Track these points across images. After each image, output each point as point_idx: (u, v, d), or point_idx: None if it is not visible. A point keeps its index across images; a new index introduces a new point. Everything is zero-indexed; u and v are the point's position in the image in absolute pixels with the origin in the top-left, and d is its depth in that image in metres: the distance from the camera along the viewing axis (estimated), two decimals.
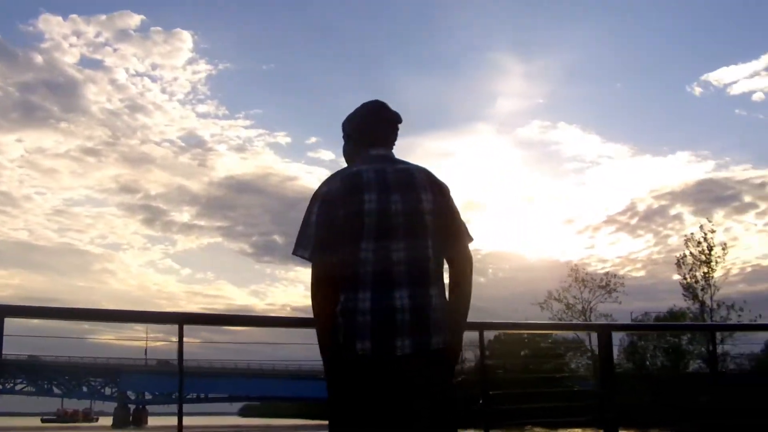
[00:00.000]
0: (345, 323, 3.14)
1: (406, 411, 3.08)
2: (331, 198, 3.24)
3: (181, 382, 3.87)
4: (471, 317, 3.48)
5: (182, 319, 3.77)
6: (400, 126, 3.60)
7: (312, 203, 3.28)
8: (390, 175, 3.33)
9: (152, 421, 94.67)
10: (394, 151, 3.57)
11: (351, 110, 3.63)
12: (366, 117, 3.55)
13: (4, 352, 3.39)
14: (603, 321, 46.12)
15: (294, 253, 3.25)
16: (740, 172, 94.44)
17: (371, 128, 3.52)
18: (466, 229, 3.46)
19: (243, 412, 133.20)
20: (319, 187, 3.33)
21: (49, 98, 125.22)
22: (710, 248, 55.10)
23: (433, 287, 3.25)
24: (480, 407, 4.47)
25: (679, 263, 56.25)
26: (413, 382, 3.10)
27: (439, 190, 3.40)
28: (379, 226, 3.19)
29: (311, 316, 3.30)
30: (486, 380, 4.59)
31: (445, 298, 3.30)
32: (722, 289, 54.23)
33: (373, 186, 3.26)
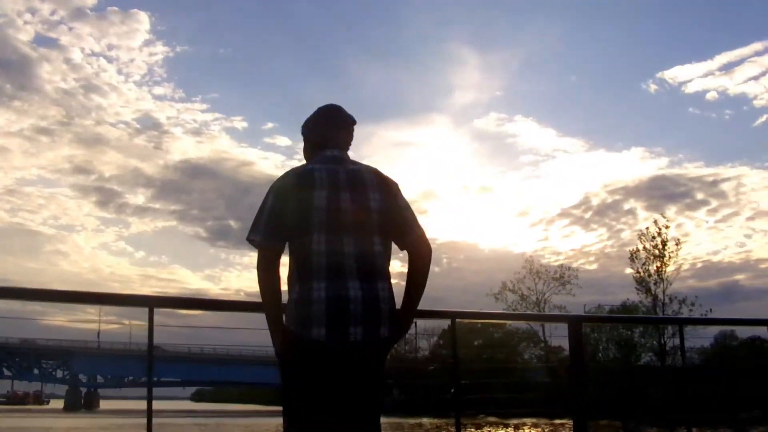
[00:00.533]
0: (300, 312, 3.30)
1: (356, 394, 3.32)
2: (284, 192, 3.43)
3: (151, 365, 3.80)
4: (436, 306, 3.51)
5: (153, 302, 3.71)
6: (354, 128, 3.79)
7: (267, 195, 3.48)
8: (341, 175, 3.51)
9: (104, 404, 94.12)
10: (350, 152, 3.74)
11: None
12: (320, 120, 3.74)
13: None
14: (557, 313, 46.73)
15: (247, 238, 3.45)
16: (693, 169, 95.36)
17: (325, 131, 3.70)
18: (417, 221, 3.62)
19: (195, 397, 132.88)
20: (275, 182, 3.51)
21: (2, 76, 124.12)
22: (664, 243, 55.71)
23: (381, 281, 3.43)
24: (452, 396, 4.46)
25: (633, 257, 56.81)
26: (363, 367, 3.32)
27: (387, 189, 3.58)
28: (330, 222, 3.36)
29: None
30: (457, 369, 4.57)
31: (392, 292, 3.49)
32: (674, 284, 54.97)
33: (325, 184, 3.44)
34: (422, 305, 3.71)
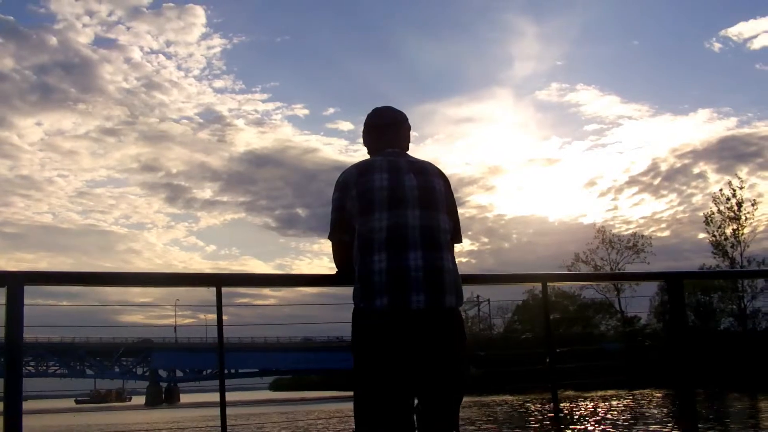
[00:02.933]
0: (363, 285, 3.31)
1: (423, 362, 3.23)
2: (345, 183, 3.50)
3: (221, 352, 3.54)
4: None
5: (220, 281, 3.50)
6: (407, 122, 3.80)
7: (334, 192, 3.55)
8: (402, 164, 3.56)
9: (184, 398, 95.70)
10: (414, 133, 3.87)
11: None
12: (368, 128, 3.78)
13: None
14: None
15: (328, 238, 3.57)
16: (763, 127, 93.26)
17: (376, 136, 3.74)
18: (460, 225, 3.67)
19: (274, 386, 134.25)
20: (338, 177, 3.57)
21: (66, 79, 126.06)
22: (739, 204, 54.47)
23: (446, 252, 3.42)
24: (547, 366, 4.14)
25: (708, 221, 55.72)
26: (428, 335, 3.24)
27: (447, 182, 3.65)
28: (392, 198, 3.39)
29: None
30: (551, 336, 4.25)
31: (455, 264, 3.46)
32: (750, 246, 53.67)
33: (386, 169, 3.49)
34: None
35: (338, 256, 3.58)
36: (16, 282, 3.05)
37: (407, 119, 3.80)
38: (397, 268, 3.25)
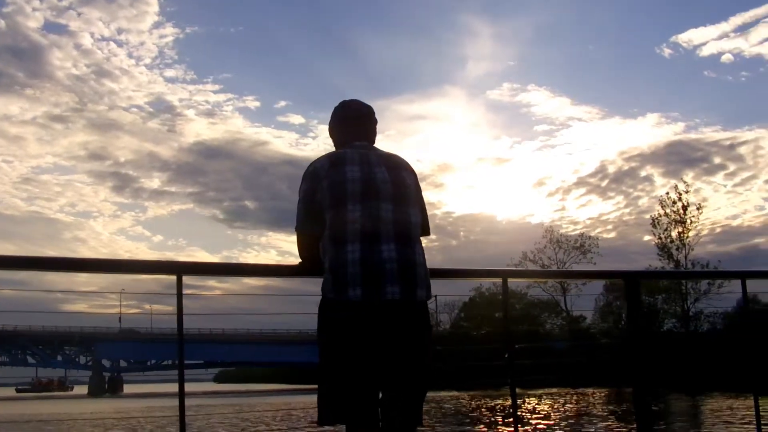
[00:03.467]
0: (335, 275, 3.25)
1: (393, 354, 3.22)
2: (316, 173, 3.45)
3: (181, 342, 3.49)
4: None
5: (180, 269, 3.44)
6: (374, 116, 3.78)
7: (301, 182, 3.50)
8: (372, 157, 3.54)
9: (128, 388, 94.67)
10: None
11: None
12: (337, 120, 3.76)
13: None
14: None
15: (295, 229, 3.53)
16: (710, 133, 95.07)
17: (345, 128, 3.71)
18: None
19: (218, 378, 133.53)
20: (307, 168, 3.53)
21: (14, 64, 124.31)
22: (685, 208, 55.36)
23: (418, 246, 3.43)
24: (506, 361, 4.14)
25: (654, 223, 56.56)
26: (401, 327, 3.24)
27: (415, 176, 3.64)
28: (365, 190, 3.37)
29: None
30: (510, 333, 4.25)
31: (425, 258, 3.45)
32: (695, 250, 54.59)
33: (357, 161, 3.47)
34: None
35: (305, 248, 3.52)
36: None
37: (375, 113, 3.79)
38: (370, 259, 3.23)
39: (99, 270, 3.39)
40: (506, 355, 4.14)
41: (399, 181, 3.48)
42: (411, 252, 3.35)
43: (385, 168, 3.49)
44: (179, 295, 3.38)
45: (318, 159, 3.54)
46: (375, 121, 3.77)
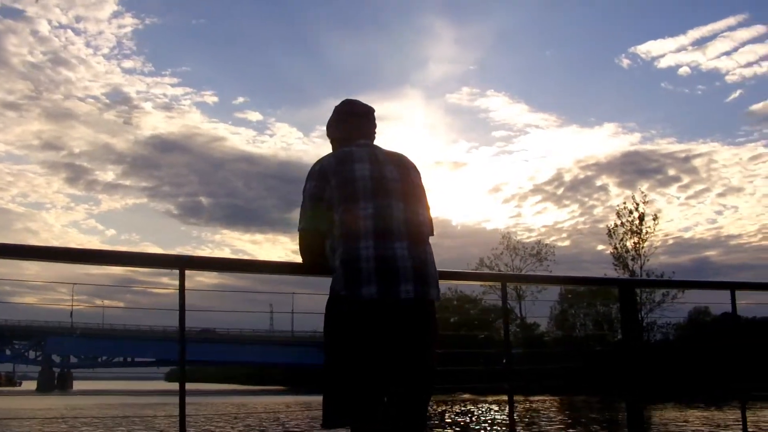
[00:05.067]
0: (347, 271, 3.19)
1: (410, 355, 3.18)
2: (323, 172, 3.40)
3: (182, 338, 3.40)
4: None
5: (184, 262, 3.37)
6: (375, 116, 3.74)
7: (307, 181, 3.45)
8: (380, 155, 3.50)
9: (77, 385, 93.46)
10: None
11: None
12: (340, 117, 3.69)
13: None
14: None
15: (298, 229, 3.48)
16: (665, 145, 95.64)
17: (348, 126, 3.65)
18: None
19: (169, 377, 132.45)
20: (313, 166, 3.48)
21: None
22: (641, 218, 56.03)
23: (428, 245, 3.41)
24: (505, 366, 4.11)
25: (610, 233, 57.20)
26: (414, 326, 3.20)
27: (420, 175, 3.59)
28: (376, 188, 3.33)
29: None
30: (508, 335, 4.22)
31: (434, 257, 3.42)
32: (650, 260, 55.31)
33: (365, 159, 3.42)
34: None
35: (309, 246, 3.47)
36: None
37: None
38: (385, 256, 3.19)
39: (100, 262, 3.30)
40: (504, 360, 4.11)
41: (408, 180, 3.46)
42: (423, 251, 3.32)
43: (393, 166, 3.46)
44: (181, 290, 3.29)
45: (324, 157, 3.49)
46: (375, 122, 3.73)
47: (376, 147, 3.59)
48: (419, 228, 3.37)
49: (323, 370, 3.22)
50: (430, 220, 3.53)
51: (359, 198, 3.29)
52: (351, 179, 3.32)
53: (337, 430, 3.26)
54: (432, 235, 3.51)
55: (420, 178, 3.57)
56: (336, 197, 3.31)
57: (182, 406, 3.25)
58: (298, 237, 3.48)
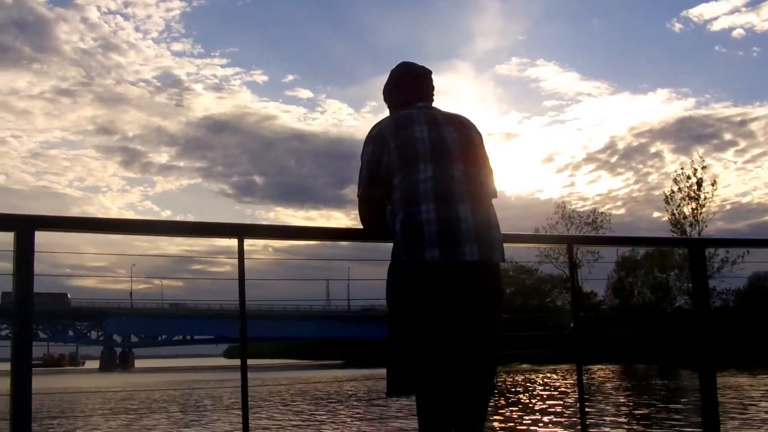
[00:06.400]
0: (408, 236, 3.11)
1: (471, 318, 3.08)
2: (381, 136, 3.30)
3: (243, 308, 3.33)
4: None
5: (242, 231, 3.32)
6: (433, 78, 3.64)
7: (365, 146, 3.36)
8: (439, 116, 3.40)
9: (138, 363, 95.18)
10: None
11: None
12: (397, 81, 3.59)
13: None
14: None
15: (357, 196, 3.40)
16: (720, 109, 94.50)
17: (405, 90, 3.55)
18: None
19: (228, 354, 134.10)
20: (371, 130, 3.39)
21: (20, 38, 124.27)
22: (699, 184, 55.10)
23: (491, 207, 3.31)
24: (571, 331, 3.98)
25: (668, 199, 56.32)
26: (479, 288, 3.10)
27: (481, 137, 3.47)
28: (435, 151, 3.23)
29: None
30: (576, 299, 4.08)
31: (497, 219, 3.32)
32: (708, 226, 54.41)
33: (423, 121, 3.32)
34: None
35: (368, 212, 3.39)
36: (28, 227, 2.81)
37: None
38: (447, 218, 3.09)
39: (160, 232, 3.25)
40: (571, 325, 3.98)
41: (468, 141, 3.34)
42: (486, 212, 3.22)
43: (453, 128, 3.34)
44: (240, 260, 3.22)
45: (382, 120, 3.40)
46: (433, 84, 3.62)
47: (435, 109, 3.48)
48: (481, 189, 3.26)
49: (387, 337, 3.17)
50: (493, 181, 3.41)
51: (419, 161, 3.19)
52: (410, 142, 3.23)
53: (401, 399, 3.18)
54: (495, 197, 3.41)
55: (481, 138, 3.44)
56: (395, 161, 3.21)
57: (244, 378, 3.19)
58: (357, 203, 3.40)
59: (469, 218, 3.12)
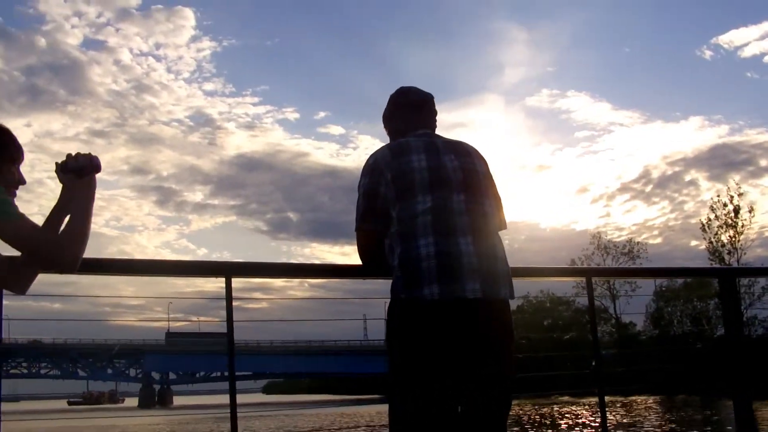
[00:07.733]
0: (407, 272, 2.92)
1: (476, 359, 2.87)
2: (377, 166, 3.14)
3: (231, 348, 3.16)
4: None
5: (230, 270, 3.15)
6: (435, 103, 3.45)
7: (361, 177, 3.21)
8: (439, 143, 3.22)
9: (177, 400, 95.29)
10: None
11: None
12: (395, 107, 3.43)
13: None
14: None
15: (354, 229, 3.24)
16: (754, 135, 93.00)
17: (404, 115, 3.38)
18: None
19: (266, 389, 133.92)
20: (367, 160, 3.24)
21: (55, 81, 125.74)
22: (736, 211, 54.36)
23: (497, 239, 3.11)
24: (593, 369, 3.73)
25: (704, 227, 55.66)
26: (484, 328, 2.90)
27: (487, 164, 3.30)
28: (434, 180, 3.04)
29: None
30: (596, 335, 3.84)
31: (505, 254, 3.12)
32: (747, 253, 53.58)
33: (422, 149, 3.14)
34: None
35: (366, 246, 3.22)
36: None
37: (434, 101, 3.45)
38: (447, 252, 2.89)
39: (147, 272, 3.11)
40: (593, 363, 3.72)
41: (470, 169, 3.14)
42: (490, 245, 3.01)
43: (453, 155, 3.15)
44: (228, 300, 3.05)
45: (378, 150, 3.22)
46: (435, 110, 3.44)
47: (437, 136, 3.31)
48: (484, 220, 3.06)
49: (389, 381, 2.95)
50: (501, 211, 3.22)
51: (417, 192, 3.00)
52: (407, 171, 3.05)
53: None
54: (503, 228, 3.22)
55: (486, 165, 3.26)
56: (392, 192, 3.04)
57: (233, 417, 2.98)
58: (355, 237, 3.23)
59: (472, 252, 2.92)
